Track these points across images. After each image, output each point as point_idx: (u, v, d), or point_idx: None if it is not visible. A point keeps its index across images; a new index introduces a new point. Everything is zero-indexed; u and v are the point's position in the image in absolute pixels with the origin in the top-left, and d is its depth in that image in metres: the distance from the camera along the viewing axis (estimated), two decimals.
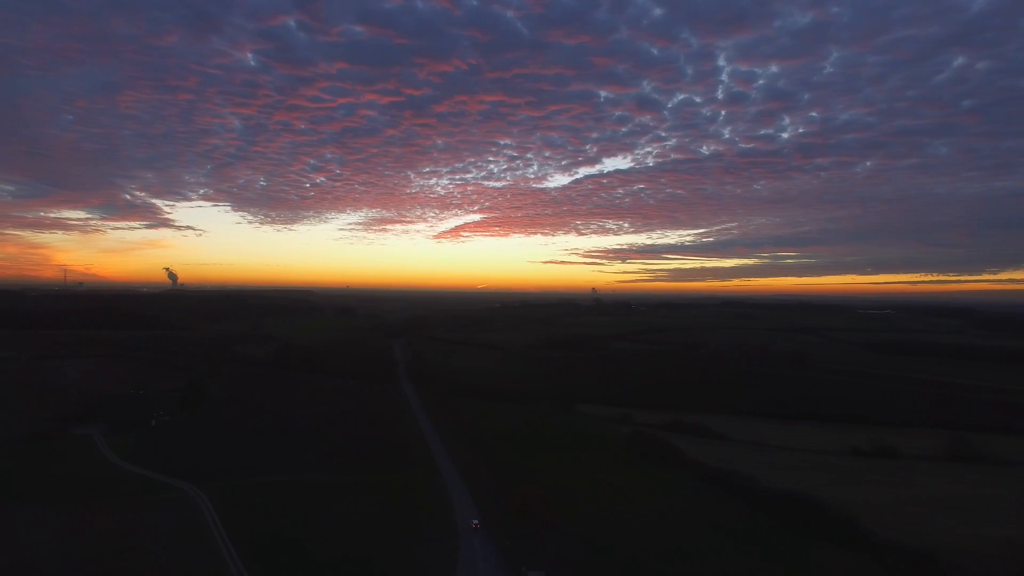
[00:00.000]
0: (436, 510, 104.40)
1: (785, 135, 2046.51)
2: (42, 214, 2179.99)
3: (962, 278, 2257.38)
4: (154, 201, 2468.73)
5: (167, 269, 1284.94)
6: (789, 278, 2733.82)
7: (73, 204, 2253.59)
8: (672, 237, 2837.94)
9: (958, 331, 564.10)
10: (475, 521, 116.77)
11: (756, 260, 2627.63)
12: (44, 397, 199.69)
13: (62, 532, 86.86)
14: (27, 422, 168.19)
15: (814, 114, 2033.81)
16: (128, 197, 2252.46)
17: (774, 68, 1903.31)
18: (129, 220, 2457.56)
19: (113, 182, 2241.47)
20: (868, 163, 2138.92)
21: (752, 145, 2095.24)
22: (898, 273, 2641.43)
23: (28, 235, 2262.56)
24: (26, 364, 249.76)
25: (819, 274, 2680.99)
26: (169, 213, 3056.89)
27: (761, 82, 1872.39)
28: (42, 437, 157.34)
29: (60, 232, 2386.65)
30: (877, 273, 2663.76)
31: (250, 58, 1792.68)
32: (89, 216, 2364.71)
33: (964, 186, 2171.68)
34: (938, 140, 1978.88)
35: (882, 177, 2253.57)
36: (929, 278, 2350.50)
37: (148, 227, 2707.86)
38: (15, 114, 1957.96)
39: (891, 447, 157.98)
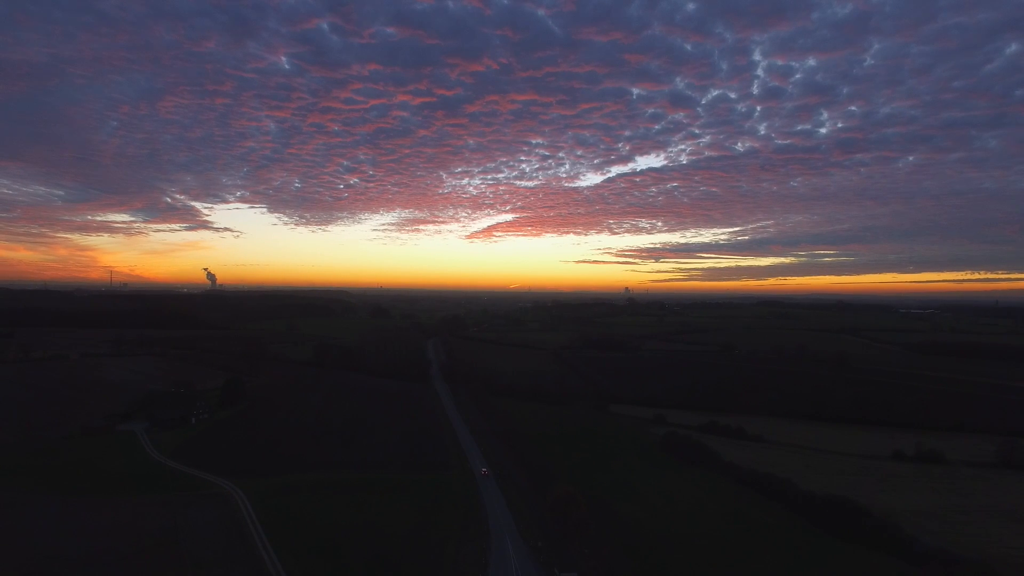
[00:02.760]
0: (469, 511, 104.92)
1: (823, 130, 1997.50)
2: (89, 218, 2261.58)
3: (1012, 276, 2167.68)
4: (193, 204, 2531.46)
5: (206, 270, 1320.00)
6: (827, 277, 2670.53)
7: (118, 208, 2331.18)
8: (706, 236, 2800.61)
9: (1008, 332, 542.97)
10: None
11: (793, 259, 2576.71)
12: (93, 394, 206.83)
13: (113, 525, 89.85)
14: (77, 418, 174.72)
15: (854, 108, 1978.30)
16: (169, 200, 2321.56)
17: (812, 62, 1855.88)
18: (170, 222, 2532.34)
19: (155, 186, 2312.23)
20: (911, 158, 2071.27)
21: (789, 141, 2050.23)
22: (943, 271, 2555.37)
23: (77, 238, 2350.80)
24: (77, 362, 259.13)
25: (858, 273, 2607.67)
26: (208, 215, 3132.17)
27: (798, 76, 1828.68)
28: (91, 433, 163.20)
29: (106, 235, 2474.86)
30: (920, 272, 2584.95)
31: (284, 61, 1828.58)
32: (132, 219, 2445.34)
33: (1017, 180, 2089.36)
34: (988, 132, 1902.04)
35: (927, 172, 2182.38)
36: (976, 276, 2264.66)
37: (188, 229, 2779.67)
38: (65, 122, 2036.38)
39: (936, 452, 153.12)
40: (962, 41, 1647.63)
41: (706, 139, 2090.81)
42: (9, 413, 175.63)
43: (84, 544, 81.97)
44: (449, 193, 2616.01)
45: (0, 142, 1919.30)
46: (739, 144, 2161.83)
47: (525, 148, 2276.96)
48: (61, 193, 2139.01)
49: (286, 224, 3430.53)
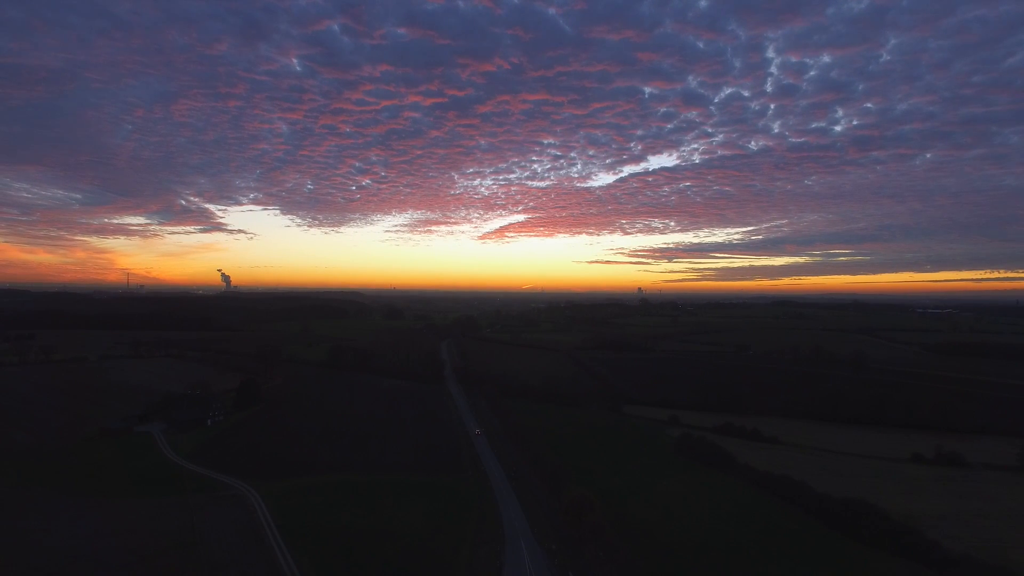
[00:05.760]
0: (483, 513, 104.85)
1: (838, 128, 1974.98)
2: (106, 220, 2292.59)
3: None
4: (207, 206, 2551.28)
5: (221, 271, 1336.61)
6: (842, 276, 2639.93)
7: (134, 210, 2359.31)
8: (720, 235, 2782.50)
9: None
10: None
11: (807, 258, 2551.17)
12: (111, 396, 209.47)
13: (132, 526, 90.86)
14: (96, 420, 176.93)
15: (870, 105, 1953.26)
16: (183, 203, 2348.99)
17: (827, 58, 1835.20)
18: (185, 224, 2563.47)
19: (170, 188, 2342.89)
20: (929, 155, 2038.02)
21: (803, 139, 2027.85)
22: (962, 270, 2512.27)
23: (94, 241, 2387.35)
24: (95, 364, 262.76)
25: (875, 272, 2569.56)
26: (222, 217, 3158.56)
27: (813, 73, 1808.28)
28: (110, 434, 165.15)
29: (123, 237, 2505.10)
30: (938, 271, 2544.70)
31: (296, 63, 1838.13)
32: (148, 222, 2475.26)
33: None
34: (1009, 128, 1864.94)
35: (945, 169, 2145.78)
36: (997, 275, 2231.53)
37: (202, 231, 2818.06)
38: (81, 126, 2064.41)
39: (956, 455, 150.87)
40: (982, 35, 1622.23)
41: (719, 138, 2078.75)
42: (30, 414, 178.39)
43: (104, 544, 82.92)
44: (461, 194, 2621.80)
45: (19, 146, 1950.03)
46: (753, 143, 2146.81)
47: (537, 148, 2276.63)
48: (79, 196, 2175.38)
49: (299, 226, 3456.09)
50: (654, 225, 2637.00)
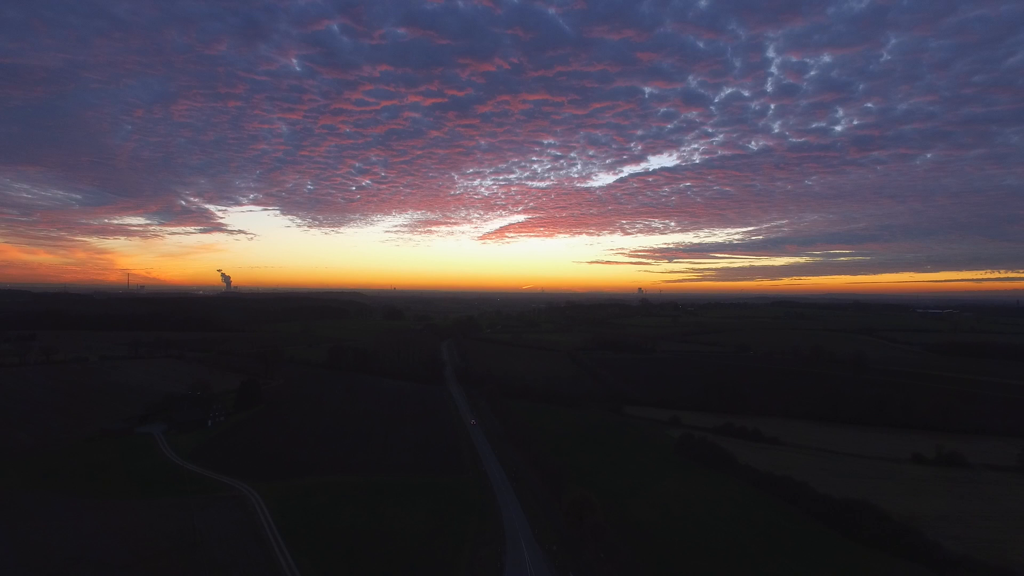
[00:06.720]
0: (484, 514, 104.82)
1: (839, 128, 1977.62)
2: (106, 221, 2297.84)
3: None
4: (207, 206, 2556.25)
5: (221, 272, 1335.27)
6: (842, 276, 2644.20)
7: (134, 211, 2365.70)
8: (720, 235, 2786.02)
9: None
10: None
11: (808, 258, 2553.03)
12: (111, 397, 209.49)
13: (132, 527, 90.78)
14: (97, 420, 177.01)
15: (870, 105, 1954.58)
16: (183, 203, 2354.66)
17: (827, 58, 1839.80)
18: (185, 225, 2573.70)
19: (170, 189, 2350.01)
20: (930, 155, 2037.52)
21: (804, 139, 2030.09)
22: (962, 271, 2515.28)
23: (95, 241, 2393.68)
24: (96, 365, 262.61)
25: (875, 272, 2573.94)
26: (222, 218, 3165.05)
27: (813, 73, 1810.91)
28: (110, 435, 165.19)
29: (123, 238, 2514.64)
30: (938, 271, 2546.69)
31: (295, 64, 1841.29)
32: (148, 222, 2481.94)
33: None
34: (1010, 128, 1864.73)
35: (946, 169, 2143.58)
36: (997, 275, 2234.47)
37: (203, 232, 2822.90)
38: (81, 126, 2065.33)
39: (957, 455, 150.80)
40: (983, 34, 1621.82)
41: (719, 138, 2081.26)
42: (30, 415, 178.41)
43: (104, 546, 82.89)
44: (461, 194, 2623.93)
45: (19, 147, 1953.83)
46: (753, 143, 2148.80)
47: (537, 148, 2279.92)
48: (79, 197, 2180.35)
49: (299, 226, 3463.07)
50: (654, 225, 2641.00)
